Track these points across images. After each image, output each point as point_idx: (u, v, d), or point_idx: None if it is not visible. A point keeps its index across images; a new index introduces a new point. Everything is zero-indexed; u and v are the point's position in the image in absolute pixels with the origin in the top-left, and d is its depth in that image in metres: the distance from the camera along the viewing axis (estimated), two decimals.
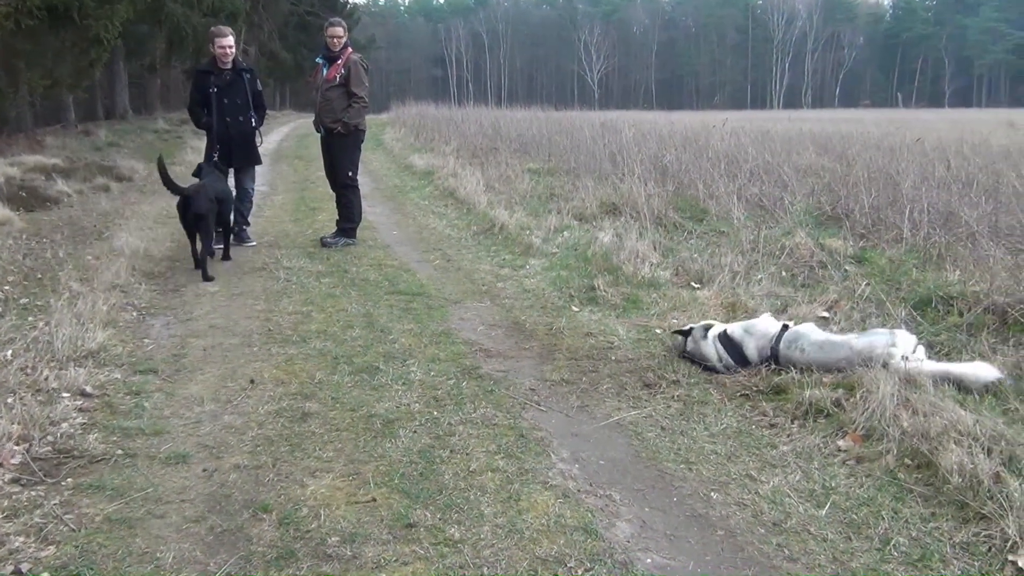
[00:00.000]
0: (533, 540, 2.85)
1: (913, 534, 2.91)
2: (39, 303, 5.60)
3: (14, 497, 3.12)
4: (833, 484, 3.27)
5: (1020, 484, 2.97)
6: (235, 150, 8.06)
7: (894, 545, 2.84)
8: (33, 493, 3.15)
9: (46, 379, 4.21)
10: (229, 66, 7.99)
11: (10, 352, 4.51)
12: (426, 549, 2.79)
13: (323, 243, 8.11)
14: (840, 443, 3.56)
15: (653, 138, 14.14)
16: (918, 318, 4.96)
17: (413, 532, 2.90)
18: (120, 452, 3.55)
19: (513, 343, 5.06)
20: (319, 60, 8.07)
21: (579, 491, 3.22)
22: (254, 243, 8.28)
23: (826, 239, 6.86)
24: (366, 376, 4.44)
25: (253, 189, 8.51)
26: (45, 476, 3.28)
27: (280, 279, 6.67)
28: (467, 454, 3.51)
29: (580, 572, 2.67)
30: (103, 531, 2.91)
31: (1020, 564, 2.66)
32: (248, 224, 8.45)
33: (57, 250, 7.34)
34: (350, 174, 8.15)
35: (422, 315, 5.63)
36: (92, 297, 5.61)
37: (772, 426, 3.81)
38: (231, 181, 8.17)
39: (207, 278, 6.62)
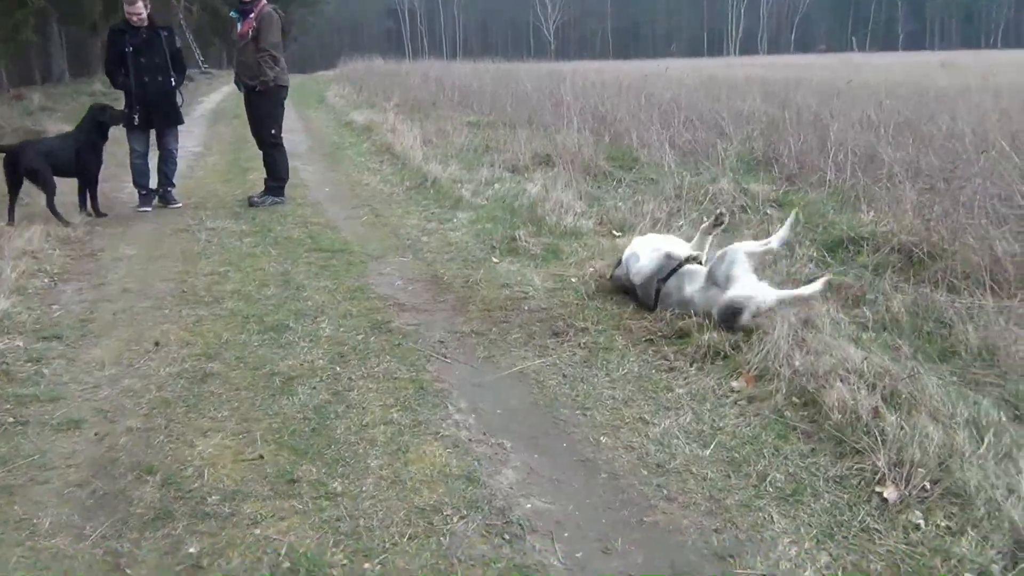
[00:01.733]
0: (414, 490, 2.86)
1: (791, 470, 2.97)
2: None
3: None
4: (721, 424, 3.32)
5: (896, 418, 3.04)
6: (155, 111, 7.85)
7: (770, 481, 2.89)
8: None
9: None
10: (146, 23, 7.74)
11: None
12: (305, 503, 2.79)
13: (250, 202, 7.98)
14: (734, 384, 3.61)
15: (597, 88, 14.05)
16: (828, 259, 5.03)
17: (295, 487, 2.89)
18: (11, 420, 3.49)
19: (429, 296, 5.04)
20: (233, 14, 7.83)
21: (470, 440, 3.24)
22: (179, 204, 8.12)
23: (751, 183, 6.90)
24: (274, 335, 4.40)
25: (176, 150, 8.30)
26: None
27: (201, 240, 6.56)
28: (363, 408, 3.50)
29: (456, 520, 2.69)
30: None
31: (886, 495, 2.73)
32: (173, 186, 8.27)
33: None
34: (273, 131, 7.98)
35: (340, 271, 5.58)
36: (0, 264, 5.47)
37: (671, 369, 3.85)
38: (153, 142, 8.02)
39: (64, 223, 6.93)
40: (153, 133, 8.06)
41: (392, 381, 3.78)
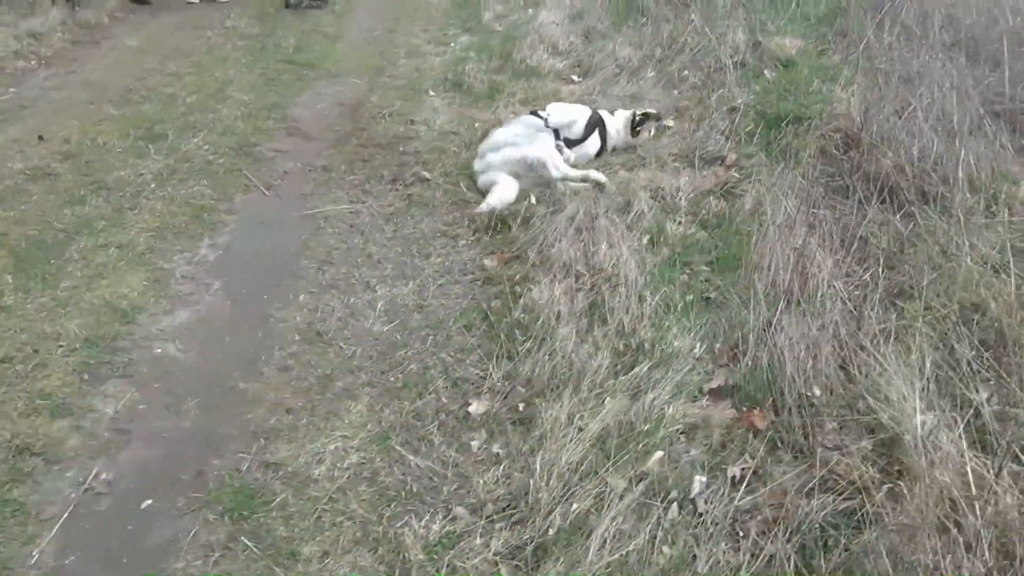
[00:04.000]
0: (68, 315, 2.94)
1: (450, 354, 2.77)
2: None
3: None
4: (434, 302, 3.11)
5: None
6: None
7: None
8: None
9: None
10: None
11: None
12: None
13: (286, 3, 7.95)
14: (486, 261, 3.33)
15: None
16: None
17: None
18: None
19: (328, 125, 4.93)
20: None
21: (182, 277, 3.25)
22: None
23: (776, 38, 5.94)
24: (145, 144, 4.49)
25: None
26: None
27: (204, 40, 6.68)
28: (121, 227, 3.57)
29: (100, 349, 2.77)
30: None
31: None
32: None
33: None
34: None
35: (284, 86, 5.54)
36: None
37: (454, 236, 3.59)
38: None
39: None
40: None
41: (184, 206, 3.81)
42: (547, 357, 2.62)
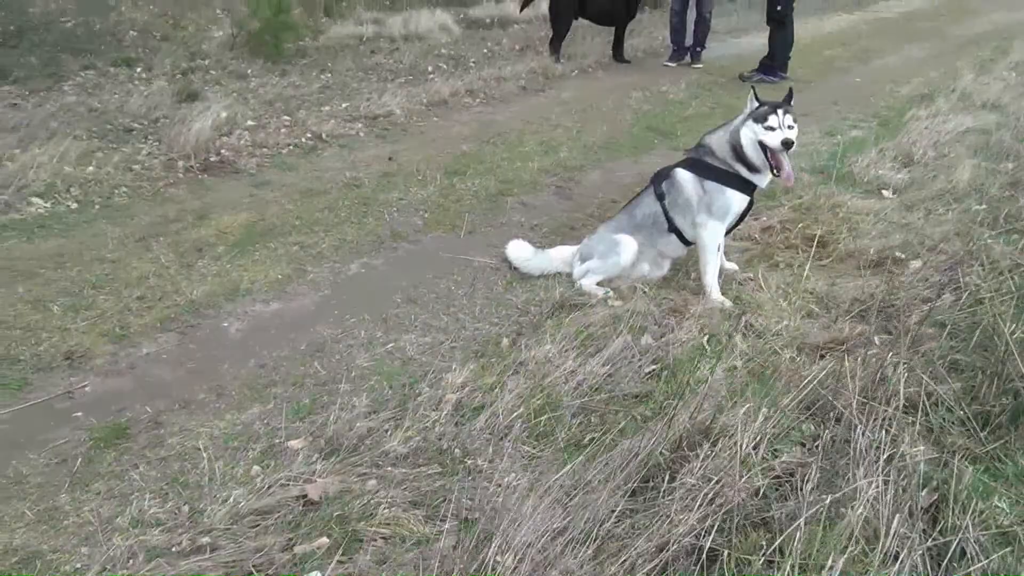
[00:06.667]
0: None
1: None
2: None
3: None
4: None
5: None
6: None
7: None
8: None
9: None
10: None
11: None
12: None
13: (741, 76, 8.03)
14: None
15: None
16: None
17: None
18: None
19: (605, 193, 5.07)
20: None
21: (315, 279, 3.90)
22: (700, 66, 8.67)
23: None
24: (433, 177, 5.26)
25: (710, 14, 8.66)
26: None
27: (621, 98, 7.26)
28: (328, 231, 4.38)
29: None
30: None
31: None
32: (703, 48, 8.78)
33: None
34: (779, 7, 7.66)
35: (609, 150, 5.81)
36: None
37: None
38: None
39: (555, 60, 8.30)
40: None
41: (385, 227, 4.46)
42: None
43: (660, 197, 3.63)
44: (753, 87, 3.54)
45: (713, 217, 3.50)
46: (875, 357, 2.82)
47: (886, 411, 2.64)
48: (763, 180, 3.48)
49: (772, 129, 3.28)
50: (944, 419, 2.66)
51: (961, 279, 3.53)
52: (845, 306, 3.46)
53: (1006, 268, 3.65)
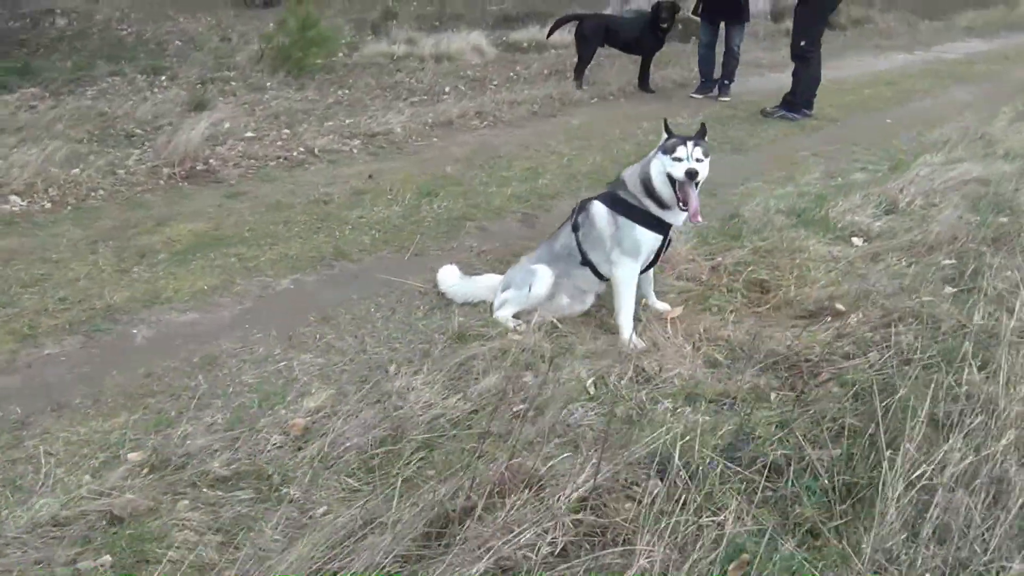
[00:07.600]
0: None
1: None
2: None
3: None
4: None
5: None
6: (721, 6, 8.19)
7: None
8: None
9: None
10: None
11: None
12: None
13: (763, 112, 7.82)
14: None
15: None
16: None
17: None
18: None
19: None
20: None
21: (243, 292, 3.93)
22: (728, 99, 8.49)
23: None
24: (419, 199, 5.25)
25: (739, 47, 8.46)
26: None
27: (630, 127, 7.14)
28: (278, 244, 4.40)
29: None
30: None
31: None
32: (731, 81, 8.58)
33: None
34: (803, 43, 7.43)
35: (588, 179, 5.71)
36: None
37: None
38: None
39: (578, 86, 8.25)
40: (723, 27, 8.41)
41: (331, 243, 4.46)
42: None
43: (575, 228, 3.52)
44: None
45: (625, 254, 3.38)
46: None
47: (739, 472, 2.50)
48: (675, 218, 3.33)
49: (679, 160, 3.15)
50: (809, 487, 2.49)
51: (893, 338, 3.32)
52: (759, 357, 3.28)
53: (948, 329, 3.42)
